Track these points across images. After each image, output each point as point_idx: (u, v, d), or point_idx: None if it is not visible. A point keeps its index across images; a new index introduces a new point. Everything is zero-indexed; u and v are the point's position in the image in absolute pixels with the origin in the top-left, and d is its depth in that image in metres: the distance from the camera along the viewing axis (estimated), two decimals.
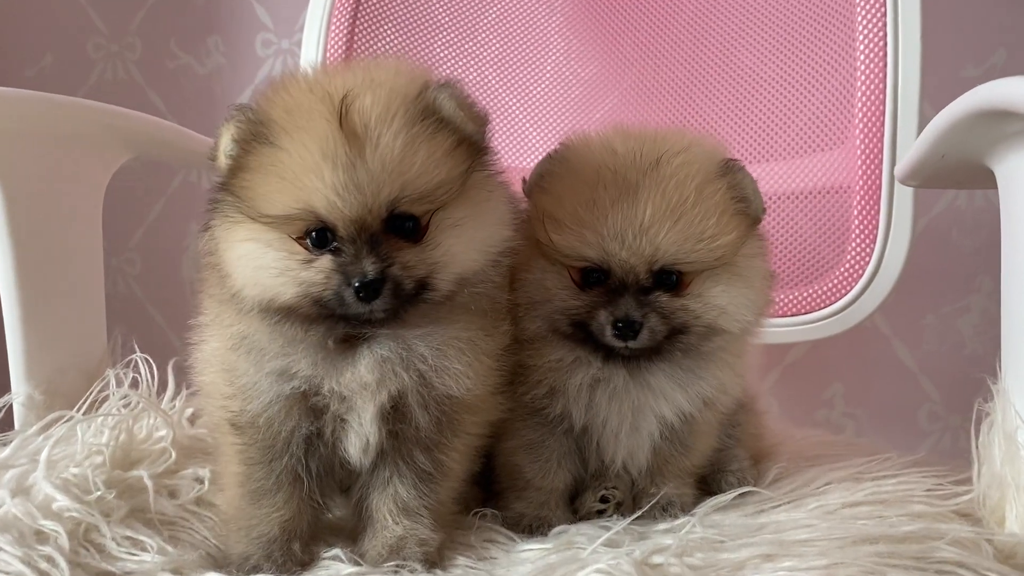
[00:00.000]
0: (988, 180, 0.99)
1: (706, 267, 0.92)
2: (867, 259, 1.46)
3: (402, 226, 0.79)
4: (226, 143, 0.80)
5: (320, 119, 0.76)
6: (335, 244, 0.78)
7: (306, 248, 0.79)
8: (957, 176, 1.08)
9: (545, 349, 0.96)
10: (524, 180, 1.00)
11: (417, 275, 0.79)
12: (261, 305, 0.81)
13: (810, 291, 1.50)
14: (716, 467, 1.07)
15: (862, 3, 1.44)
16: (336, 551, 0.85)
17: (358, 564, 0.83)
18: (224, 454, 0.90)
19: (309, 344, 0.82)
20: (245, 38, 2.18)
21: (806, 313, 1.51)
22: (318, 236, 0.78)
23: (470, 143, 0.83)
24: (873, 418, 1.98)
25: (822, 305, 1.50)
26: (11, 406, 1.16)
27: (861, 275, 1.47)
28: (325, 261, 0.78)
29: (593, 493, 1.01)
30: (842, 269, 1.48)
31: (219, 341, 0.88)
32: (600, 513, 1.00)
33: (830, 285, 1.49)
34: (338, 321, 0.81)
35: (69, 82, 2.24)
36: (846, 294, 1.48)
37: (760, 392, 2.03)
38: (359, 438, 0.86)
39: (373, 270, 0.76)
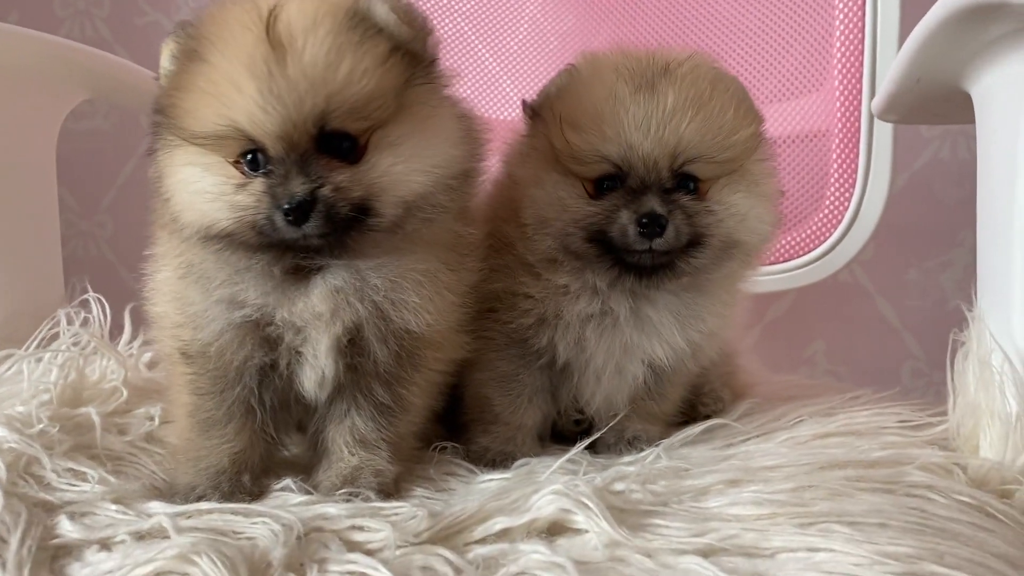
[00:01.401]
0: (965, 110, 0.96)
1: (724, 170, 0.89)
2: (846, 204, 1.44)
3: (338, 145, 0.75)
4: (165, 60, 0.78)
5: (245, 31, 0.73)
6: (269, 167, 0.74)
7: (242, 172, 0.75)
8: (934, 105, 1.05)
9: (549, 274, 0.93)
10: (524, 102, 0.97)
11: (352, 197, 0.74)
12: (200, 232, 0.78)
13: (790, 238, 1.48)
14: (690, 391, 1.05)
15: None
16: (287, 481, 0.82)
17: (309, 493, 0.80)
18: (175, 384, 0.86)
19: (256, 272, 0.79)
20: None
21: (786, 261, 1.49)
22: (252, 158, 0.75)
23: (408, 52, 0.77)
24: (855, 375, 1.96)
25: (802, 252, 1.48)
26: None
27: (840, 220, 1.45)
28: (257, 184, 0.74)
29: (572, 407, 1.01)
30: (821, 215, 1.46)
31: (170, 270, 0.85)
32: (578, 423, 1.01)
33: (810, 231, 1.47)
34: (283, 250, 0.77)
35: None
36: (825, 240, 1.47)
37: (741, 348, 2.01)
38: (314, 371, 0.83)
39: (302, 191, 0.72)
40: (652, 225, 0.86)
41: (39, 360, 1.00)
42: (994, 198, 0.88)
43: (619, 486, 0.78)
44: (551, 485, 0.73)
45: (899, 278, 1.92)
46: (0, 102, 1.12)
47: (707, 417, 1.00)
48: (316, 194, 0.72)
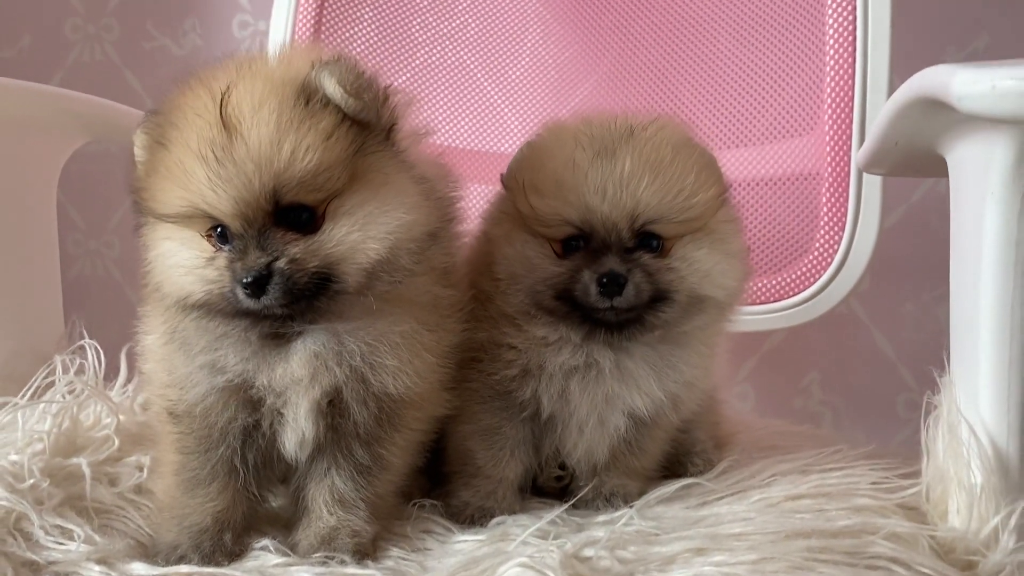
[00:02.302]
0: (942, 169, 0.97)
1: (687, 229, 0.92)
2: (836, 246, 1.45)
3: (297, 217, 0.77)
4: (138, 151, 0.82)
5: (197, 116, 0.76)
6: (234, 241, 0.77)
7: (213, 245, 0.79)
8: (915, 164, 1.07)
9: (528, 326, 0.95)
10: (501, 176, 1.00)
11: (308, 268, 0.76)
12: (178, 302, 0.81)
13: (781, 278, 1.49)
14: (680, 451, 1.08)
15: None
16: (265, 542, 0.84)
17: (286, 555, 0.83)
18: (163, 442, 0.89)
19: (235, 339, 0.82)
20: (222, 19, 2.16)
21: (777, 300, 1.50)
22: (220, 233, 0.78)
23: (357, 123, 0.79)
24: (850, 407, 1.97)
25: (793, 292, 1.49)
26: None
27: (830, 262, 1.46)
28: (221, 258, 0.78)
29: (553, 461, 1.03)
30: (812, 256, 1.47)
31: (157, 333, 0.88)
32: (559, 479, 1.03)
33: (800, 272, 1.48)
34: (258, 318, 0.80)
35: (47, 63, 2.23)
36: (815, 281, 1.47)
37: (736, 380, 2.02)
38: (295, 433, 0.86)
39: (258, 265, 0.75)
40: (611, 284, 0.89)
41: (34, 409, 1.03)
42: (964, 268, 0.89)
43: (588, 552, 0.80)
44: (518, 557, 0.75)
45: (895, 310, 1.93)
46: (3, 152, 1.15)
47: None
48: (272, 267, 0.75)
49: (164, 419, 0.88)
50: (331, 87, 0.77)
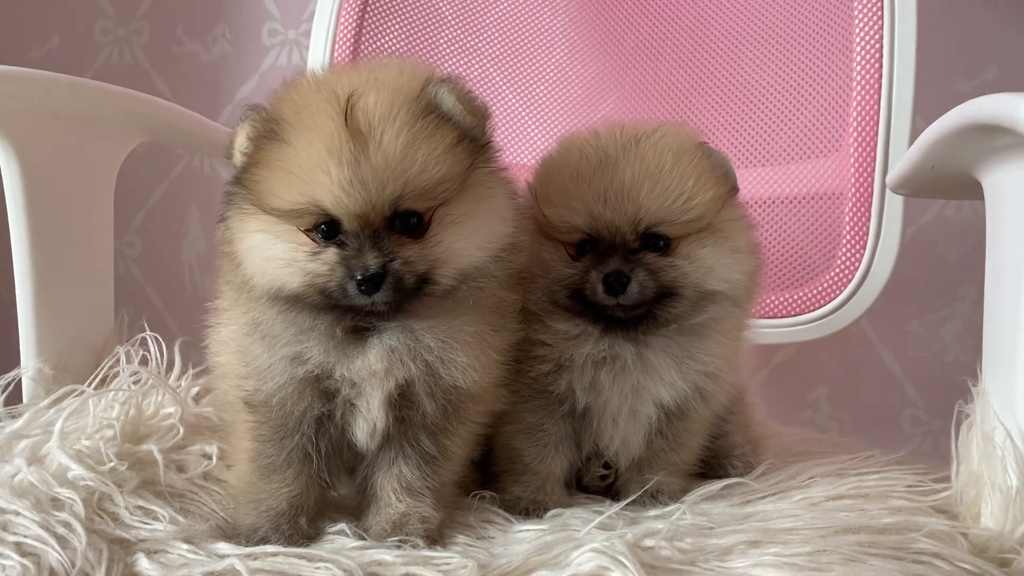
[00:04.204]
0: (975, 191, 1.03)
1: (690, 229, 0.98)
2: (856, 265, 1.51)
3: (406, 222, 0.82)
4: (241, 141, 0.84)
5: (326, 117, 0.79)
6: (340, 237, 0.81)
7: (314, 240, 0.83)
8: (946, 186, 1.13)
9: (551, 321, 1.01)
10: (528, 183, 1.05)
11: (418, 270, 0.82)
12: (269, 293, 0.85)
13: (800, 294, 1.54)
14: (719, 454, 1.13)
15: (860, 16, 1.48)
16: (341, 526, 0.88)
17: (362, 538, 0.87)
18: (237, 431, 0.93)
19: (319, 332, 0.86)
20: (252, 27, 2.21)
21: (795, 315, 1.56)
22: (327, 229, 0.82)
23: (471, 139, 0.85)
24: (857, 421, 2.03)
25: (811, 308, 1.55)
26: (19, 380, 1.19)
27: (850, 280, 1.51)
28: (330, 254, 0.82)
29: (597, 460, 1.07)
30: (832, 273, 1.53)
31: (235, 325, 0.91)
32: (603, 479, 1.07)
33: (820, 289, 1.54)
34: (344, 312, 0.84)
35: (75, 64, 2.26)
36: (834, 298, 1.53)
37: (749, 389, 2.08)
38: (367, 423, 0.90)
39: (375, 264, 0.80)
40: (615, 283, 0.96)
41: (101, 397, 1.06)
42: (1001, 284, 0.95)
43: (649, 542, 0.84)
44: (591, 543, 0.79)
45: (901, 329, 1.99)
46: (69, 147, 1.19)
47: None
48: (387, 267, 0.80)
49: (239, 409, 0.92)
50: (450, 103, 0.83)
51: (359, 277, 0.79)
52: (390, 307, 0.83)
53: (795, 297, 1.54)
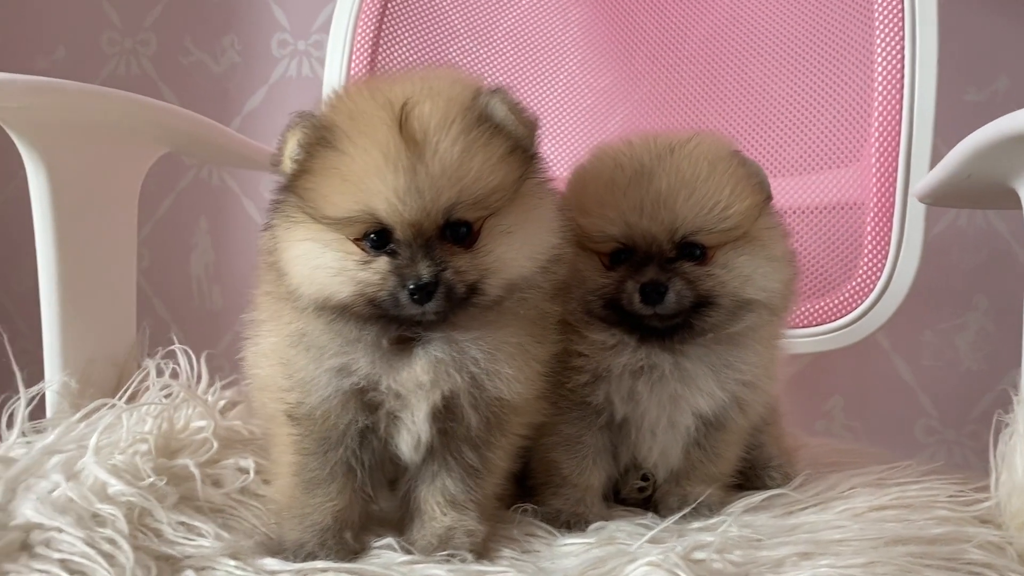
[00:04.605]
0: (1007, 200, 1.04)
1: (727, 238, 0.97)
2: (878, 274, 1.51)
3: (456, 231, 0.82)
4: (292, 147, 0.83)
5: (382, 125, 0.79)
6: (391, 247, 0.81)
7: (363, 249, 0.82)
8: (976, 196, 1.13)
9: (588, 332, 1.01)
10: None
11: (468, 280, 0.82)
12: (317, 303, 0.84)
13: (821, 304, 1.54)
14: (756, 465, 1.12)
15: (880, 25, 1.49)
16: (388, 540, 0.87)
17: (409, 552, 0.86)
18: (278, 444, 0.92)
19: (366, 343, 0.85)
20: (261, 38, 2.20)
21: (817, 325, 1.55)
22: (377, 238, 0.81)
23: (522, 149, 0.85)
24: (871, 431, 2.03)
25: (833, 318, 1.55)
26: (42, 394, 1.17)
27: (872, 290, 1.52)
28: (382, 263, 0.81)
29: (635, 473, 1.07)
30: (853, 283, 1.53)
31: (277, 336, 0.90)
32: (641, 491, 1.07)
33: (841, 299, 1.54)
34: (391, 322, 0.84)
35: (81, 75, 2.24)
36: (856, 308, 1.53)
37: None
38: (411, 435, 0.89)
39: (428, 273, 0.79)
40: (652, 292, 0.95)
41: (132, 412, 1.05)
42: None
43: (699, 555, 0.84)
44: (646, 556, 0.79)
45: (915, 339, 2.00)
46: (96, 159, 1.18)
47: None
48: (439, 276, 0.79)
49: (281, 422, 0.91)
50: (503, 114, 0.82)
51: (412, 286, 0.79)
52: (439, 317, 0.82)
53: (817, 307, 1.54)
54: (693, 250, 0.97)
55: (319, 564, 0.80)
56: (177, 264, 2.25)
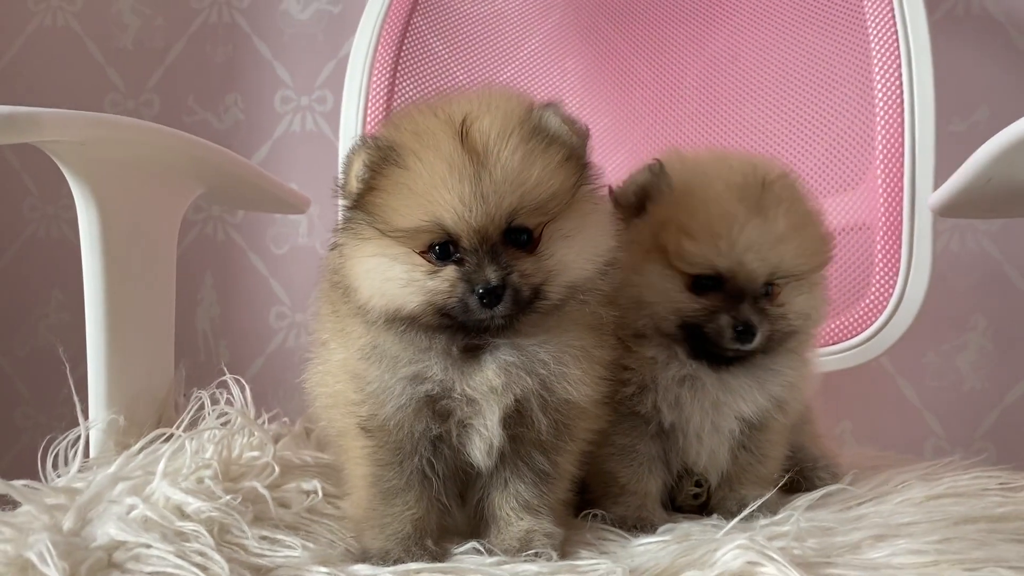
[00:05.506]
0: (1020, 206, 1.09)
1: (799, 279, 1.03)
2: (889, 293, 1.56)
3: (518, 238, 0.86)
4: (358, 168, 0.87)
5: (445, 139, 0.83)
6: (457, 255, 0.84)
7: (429, 261, 0.85)
8: (995, 202, 1.18)
9: (639, 347, 1.04)
10: (610, 189, 1.07)
11: (534, 283, 0.85)
12: (387, 315, 0.87)
13: (836, 324, 1.58)
14: (803, 468, 1.14)
15: (877, 51, 1.57)
16: (471, 543, 0.88)
17: (494, 555, 0.86)
18: (352, 458, 0.93)
19: (437, 351, 0.88)
20: (264, 94, 2.24)
21: (832, 344, 1.60)
22: (441, 249, 0.85)
23: (577, 157, 0.90)
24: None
25: (847, 336, 1.59)
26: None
27: (883, 309, 1.56)
28: (449, 271, 0.84)
29: (688, 479, 1.09)
30: (866, 302, 1.57)
31: (345, 352, 0.92)
32: (696, 497, 1.09)
33: (854, 318, 1.58)
34: (458, 330, 0.87)
35: None
36: (870, 325, 1.57)
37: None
38: (483, 441, 0.91)
39: (496, 277, 0.82)
40: (747, 333, 0.99)
41: (193, 439, 1.05)
42: None
43: (779, 543, 0.86)
44: (735, 540, 0.80)
45: (917, 360, 2.05)
46: (143, 196, 1.20)
47: None
48: (506, 280, 0.83)
49: (353, 435, 0.92)
50: (557, 125, 0.87)
51: (481, 290, 0.82)
52: (506, 321, 0.85)
53: (830, 327, 1.58)
54: (768, 286, 1.02)
55: (413, 566, 0.81)
56: (183, 319, 2.23)
